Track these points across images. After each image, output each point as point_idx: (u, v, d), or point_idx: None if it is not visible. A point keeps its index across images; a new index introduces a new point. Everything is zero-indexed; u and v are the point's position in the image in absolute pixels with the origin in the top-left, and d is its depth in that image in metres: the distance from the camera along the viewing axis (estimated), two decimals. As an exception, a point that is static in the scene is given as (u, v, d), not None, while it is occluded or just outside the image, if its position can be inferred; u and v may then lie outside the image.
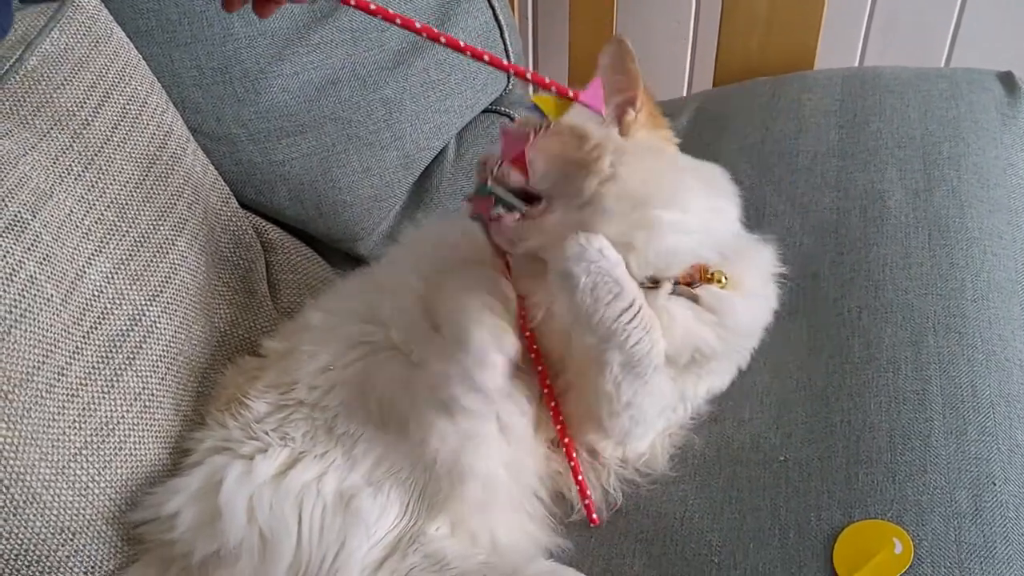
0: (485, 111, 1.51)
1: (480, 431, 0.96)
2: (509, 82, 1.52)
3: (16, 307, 0.88)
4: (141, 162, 1.10)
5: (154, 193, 1.11)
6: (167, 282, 1.08)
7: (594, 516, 1.02)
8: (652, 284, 0.97)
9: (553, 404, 1.00)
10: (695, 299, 0.99)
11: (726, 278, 1.00)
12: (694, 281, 0.99)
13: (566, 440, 1.00)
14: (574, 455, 1.00)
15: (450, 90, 1.41)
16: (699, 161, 1.07)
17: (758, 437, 1.06)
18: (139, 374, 1.01)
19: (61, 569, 0.93)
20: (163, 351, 1.05)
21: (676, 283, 0.98)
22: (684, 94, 1.93)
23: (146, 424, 1.01)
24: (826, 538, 0.94)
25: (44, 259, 0.93)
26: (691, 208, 0.98)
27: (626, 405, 0.96)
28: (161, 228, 1.10)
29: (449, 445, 0.95)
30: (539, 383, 0.99)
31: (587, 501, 1.01)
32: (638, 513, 1.02)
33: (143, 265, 1.06)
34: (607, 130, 1.00)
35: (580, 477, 1.01)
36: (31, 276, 0.91)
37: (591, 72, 1.74)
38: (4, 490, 0.86)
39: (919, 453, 0.99)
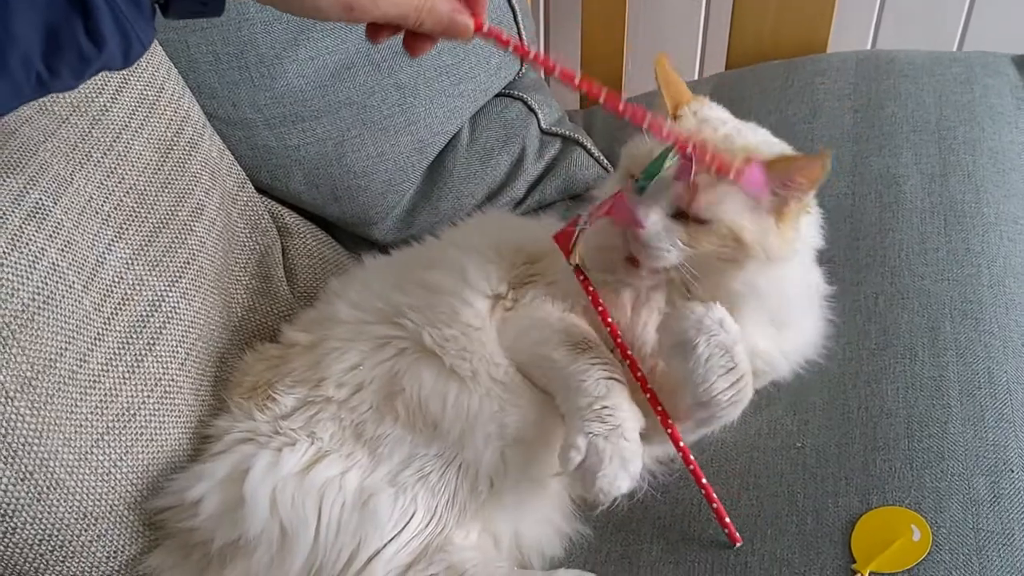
0: (498, 95, 1.50)
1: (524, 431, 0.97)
2: (522, 66, 1.51)
3: (40, 294, 0.89)
4: (159, 148, 1.10)
5: (172, 179, 1.11)
6: (186, 267, 1.08)
7: (736, 535, 0.97)
8: None
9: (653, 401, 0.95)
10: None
11: None
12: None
13: (697, 473, 0.96)
14: (704, 481, 0.96)
15: (464, 74, 1.41)
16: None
17: (775, 423, 1.07)
18: (159, 360, 1.01)
19: (84, 554, 0.93)
20: (182, 336, 1.05)
21: None
22: (696, 77, 1.92)
23: (167, 409, 1.01)
24: (844, 524, 0.95)
25: (65, 246, 0.93)
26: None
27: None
28: (179, 214, 1.10)
29: (492, 452, 0.96)
30: (631, 371, 0.95)
31: (727, 520, 0.96)
32: (655, 499, 1.02)
33: (162, 251, 1.06)
34: (762, 228, 0.95)
35: (715, 505, 0.96)
36: (53, 263, 0.91)
37: (604, 59, 1.75)
38: (28, 476, 0.87)
39: (937, 440, 1.00)
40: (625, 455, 0.88)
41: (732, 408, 0.92)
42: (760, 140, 1.01)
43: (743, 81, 1.59)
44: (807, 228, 1.01)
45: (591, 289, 0.96)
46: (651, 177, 0.91)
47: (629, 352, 0.95)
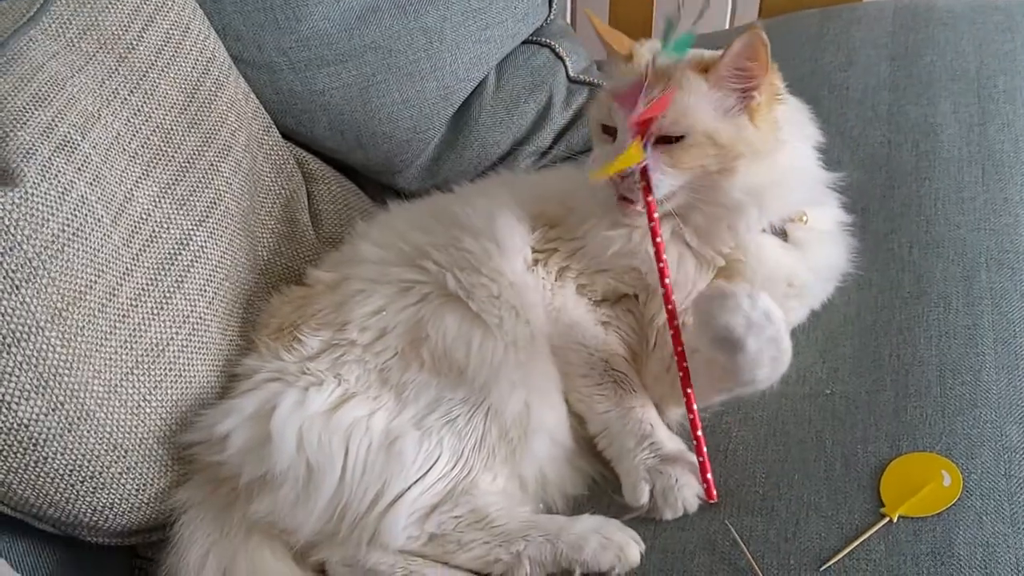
0: (525, 42, 1.48)
1: (548, 381, 0.99)
2: (551, 13, 1.49)
3: (69, 225, 0.89)
4: (185, 87, 1.11)
5: (198, 119, 1.11)
6: (212, 207, 1.08)
7: (713, 493, 0.96)
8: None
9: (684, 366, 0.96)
10: (784, 235, 1.03)
11: (806, 218, 1.04)
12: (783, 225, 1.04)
13: (692, 417, 0.96)
14: (699, 433, 0.96)
15: (491, 20, 1.39)
16: (793, 105, 1.06)
17: (804, 371, 1.06)
18: (187, 297, 1.02)
19: (114, 485, 0.95)
20: (210, 275, 1.06)
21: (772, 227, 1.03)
22: (727, 27, 1.89)
23: (195, 346, 1.02)
24: (873, 470, 0.94)
25: (94, 180, 0.94)
26: (802, 184, 1.03)
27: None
28: (206, 153, 1.10)
29: (517, 399, 0.97)
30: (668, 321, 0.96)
31: (708, 476, 0.96)
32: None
33: (189, 189, 1.06)
34: (736, 126, 0.98)
35: (702, 459, 0.96)
36: (82, 195, 0.92)
37: (632, 6, 1.72)
38: (59, 407, 0.88)
39: (969, 387, 0.98)
40: (682, 480, 0.94)
41: (773, 380, 0.93)
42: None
43: (776, 30, 1.53)
44: (790, 117, 1.02)
45: (655, 217, 0.95)
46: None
47: (671, 306, 0.95)
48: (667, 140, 0.96)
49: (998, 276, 1.09)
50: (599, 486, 1.01)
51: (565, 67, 1.48)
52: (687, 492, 0.93)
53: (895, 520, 0.88)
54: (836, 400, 1.02)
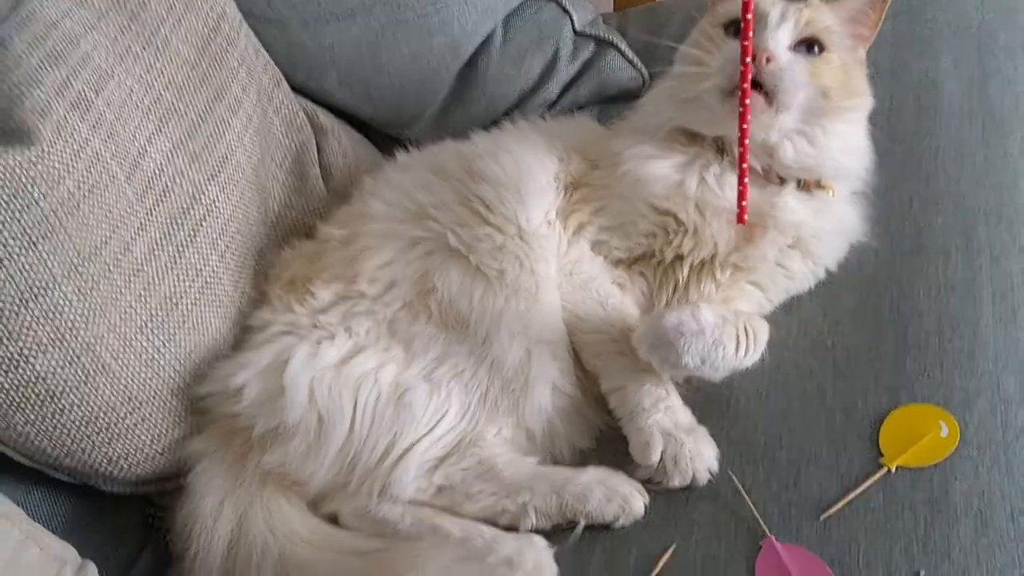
0: (533, -4, 1.49)
1: (550, 330, 1.01)
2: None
3: (84, 182, 0.90)
4: (196, 44, 1.11)
5: (209, 74, 1.11)
6: (224, 162, 1.09)
7: (744, 217, 0.98)
8: (779, 180, 1.05)
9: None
10: (808, 195, 1.06)
11: (833, 192, 1.07)
12: (811, 186, 1.06)
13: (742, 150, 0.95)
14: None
15: (498, -26, 1.40)
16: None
17: (805, 323, 1.08)
18: (200, 251, 1.03)
19: (129, 436, 0.97)
20: (222, 229, 1.07)
21: (799, 183, 1.06)
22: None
23: (207, 299, 1.04)
24: (872, 421, 0.96)
25: (108, 136, 0.95)
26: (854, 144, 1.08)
27: None
28: (217, 109, 1.11)
29: (517, 349, 0.98)
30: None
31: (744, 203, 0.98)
32: (684, 398, 1.02)
33: (201, 145, 1.07)
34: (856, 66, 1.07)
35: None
36: (97, 152, 0.93)
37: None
38: (75, 359, 0.90)
39: (967, 340, 1.00)
40: (698, 436, 0.96)
41: (751, 357, 0.96)
42: None
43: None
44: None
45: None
46: None
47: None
48: (809, 46, 1.01)
49: (996, 231, 1.10)
50: (606, 438, 1.03)
51: (571, 21, 1.47)
52: (699, 463, 0.94)
53: (893, 470, 0.91)
54: (837, 352, 1.04)
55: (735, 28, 1.01)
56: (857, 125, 1.07)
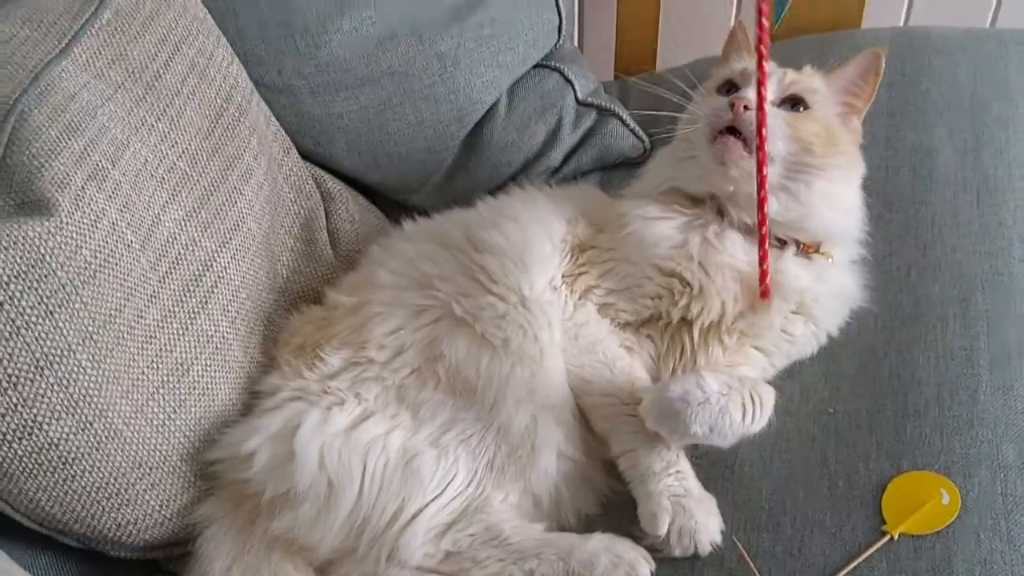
0: (536, 66, 1.51)
1: (555, 397, 1.02)
2: (560, 38, 1.52)
3: (101, 251, 0.92)
4: (209, 114, 1.13)
5: (222, 144, 1.14)
6: (236, 230, 1.11)
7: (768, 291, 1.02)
8: (779, 243, 1.07)
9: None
10: (808, 260, 1.08)
11: (832, 259, 1.09)
12: (810, 250, 1.08)
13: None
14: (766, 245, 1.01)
15: (503, 46, 1.43)
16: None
17: (807, 389, 1.09)
18: (211, 317, 1.05)
19: (138, 501, 0.97)
20: (232, 296, 1.09)
21: (798, 247, 1.08)
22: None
23: (217, 365, 1.05)
24: (875, 488, 0.97)
25: (124, 206, 0.96)
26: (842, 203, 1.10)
27: None
28: (229, 178, 1.13)
29: (523, 415, 0.99)
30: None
31: (767, 281, 1.02)
32: (690, 461, 1.03)
33: (213, 213, 1.09)
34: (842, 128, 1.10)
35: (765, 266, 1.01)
36: (113, 222, 0.94)
37: (638, 31, 1.75)
38: (88, 426, 0.91)
39: (967, 407, 1.02)
40: (706, 507, 0.96)
41: (758, 423, 0.97)
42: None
43: (779, 57, 1.59)
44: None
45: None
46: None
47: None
48: (793, 104, 1.06)
49: (993, 299, 1.12)
50: (612, 503, 1.04)
51: (574, 90, 1.51)
52: (703, 536, 0.94)
53: (896, 537, 0.92)
54: (839, 418, 1.05)
55: (727, 88, 1.10)
56: (844, 185, 1.09)
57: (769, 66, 1.05)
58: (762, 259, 1.00)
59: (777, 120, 1.03)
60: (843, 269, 1.11)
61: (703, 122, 1.05)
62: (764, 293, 1.02)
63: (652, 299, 1.07)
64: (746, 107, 1.00)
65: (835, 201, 1.07)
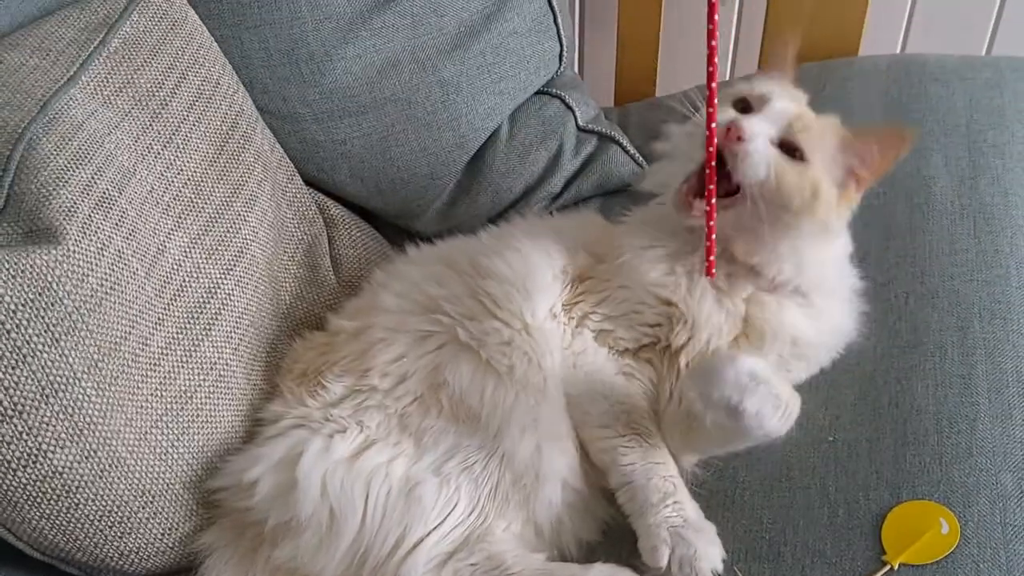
0: (537, 93, 1.53)
1: (560, 426, 1.02)
2: (561, 65, 1.54)
3: (107, 279, 0.92)
4: (215, 141, 1.14)
5: (227, 171, 1.15)
6: (240, 256, 1.12)
7: (712, 271, 0.99)
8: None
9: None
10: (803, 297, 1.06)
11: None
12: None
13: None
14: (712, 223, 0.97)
15: (504, 73, 1.44)
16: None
17: (807, 418, 1.07)
18: (215, 344, 1.05)
19: (141, 530, 0.97)
20: (236, 323, 1.09)
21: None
22: (728, 77, 1.94)
23: (221, 392, 1.05)
24: (874, 517, 0.97)
25: (130, 234, 0.97)
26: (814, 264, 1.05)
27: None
28: (234, 204, 1.14)
29: (528, 444, 0.99)
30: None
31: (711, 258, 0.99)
32: (690, 491, 1.03)
33: (218, 240, 1.10)
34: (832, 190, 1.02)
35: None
36: (119, 250, 0.95)
37: (638, 57, 1.77)
38: (92, 454, 0.91)
39: (965, 436, 1.02)
40: (707, 536, 0.95)
41: (785, 430, 0.93)
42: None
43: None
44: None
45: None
46: None
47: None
48: (791, 150, 0.99)
49: (991, 327, 1.13)
50: (612, 530, 1.04)
51: (575, 117, 1.52)
52: (703, 564, 0.94)
53: (896, 567, 0.92)
54: (839, 447, 1.05)
55: (741, 105, 1.05)
56: (818, 246, 1.04)
57: (797, 101, 1.05)
58: (709, 233, 0.97)
59: (762, 160, 0.97)
60: (838, 305, 1.10)
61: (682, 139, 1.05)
62: (709, 269, 0.99)
63: (651, 327, 1.07)
64: (740, 137, 0.97)
65: (804, 258, 1.03)
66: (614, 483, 1.02)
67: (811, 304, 1.06)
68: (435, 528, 0.98)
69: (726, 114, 1.01)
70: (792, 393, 0.93)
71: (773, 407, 0.90)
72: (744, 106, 1.04)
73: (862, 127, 1.08)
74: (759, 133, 0.98)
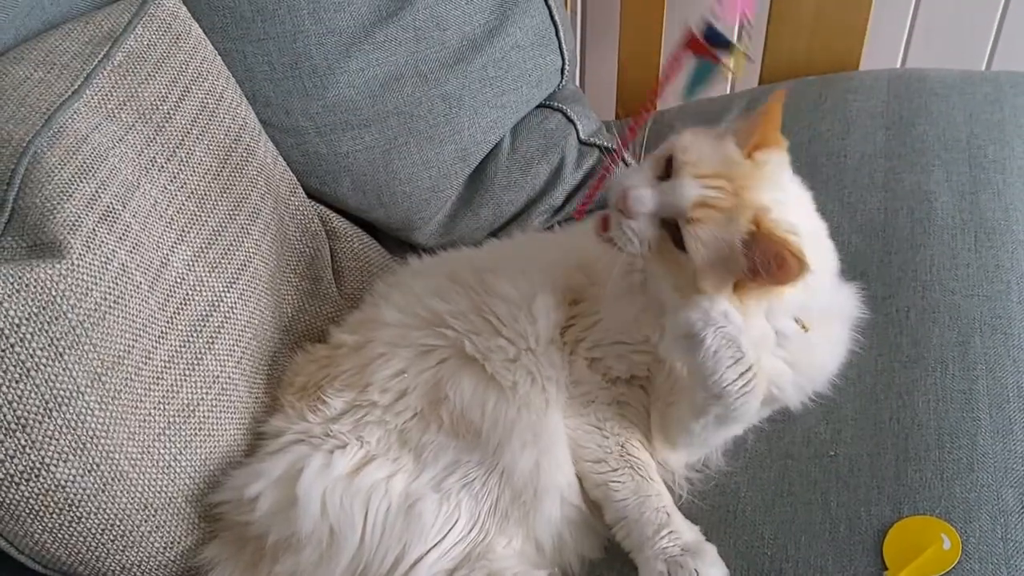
0: (539, 106, 1.53)
1: (559, 444, 1.01)
2: (563, 79, 1.54)
3: (111, 293, 0.93)
4: (218, 154, 1.15)
5: (230, 184, 1.15)
6: (243, 269, 1.12)
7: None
8: None
9: None
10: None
11: (806, 328, 0.99)
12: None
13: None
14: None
15: (507, 86, 1.44)
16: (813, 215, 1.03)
17: (808, 433, 1.10)
18: (217, 358, 1.05)
19: (143, 543, 0.97)
20: (239, 336, 1.09)
21: None
22: (728, 92, 1.94)
23: (223, 406, 1.05)
24: (876, 532, 0.98)
25: (134, 247, 0.97)
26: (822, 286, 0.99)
27: (703, 441, 1.03)
28: (237, 217, 1.14)
29: (528, 459, 0.99)
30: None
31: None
32: (692, 506, 1.05)
33: (221, 253, 1.10)
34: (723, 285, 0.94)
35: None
36: (123, 264, 0.95)
37: (640, 70, 1.77)
38: (95, 468, 0.91)
39: (967, 451, 1.02)
40: (707, 558, 0.96)
41: (745, 399, 0.90)
42: (798, 218, 0.96)
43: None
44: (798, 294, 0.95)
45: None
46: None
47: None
48: (676, 237, 0.92)
49: (991, 341, 1.13)
50: (615, 547, 1.03)
51: (576, 130, 1.53)
52: None
53: (898, 584, 0.92)
54: (840, 462, 1.06)
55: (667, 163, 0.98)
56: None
57: (726, 193, 0.91)
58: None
59: (636, 238, 0.94)
60: (823, 345, 1.04)
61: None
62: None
63: (640, 354, 1.05)
64: (629, 211, 0.93)
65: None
66: (609, 519, 1.02)
67: (783, 348, 1.00)
68: (435, 545, 0.98)
69: (639, 174, 0.97)
70: (759, 367, 0.91)
71: (732, 358, 0.88)
72: (668, 166, 0.96)
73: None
74: (642, 213, 0.93)
